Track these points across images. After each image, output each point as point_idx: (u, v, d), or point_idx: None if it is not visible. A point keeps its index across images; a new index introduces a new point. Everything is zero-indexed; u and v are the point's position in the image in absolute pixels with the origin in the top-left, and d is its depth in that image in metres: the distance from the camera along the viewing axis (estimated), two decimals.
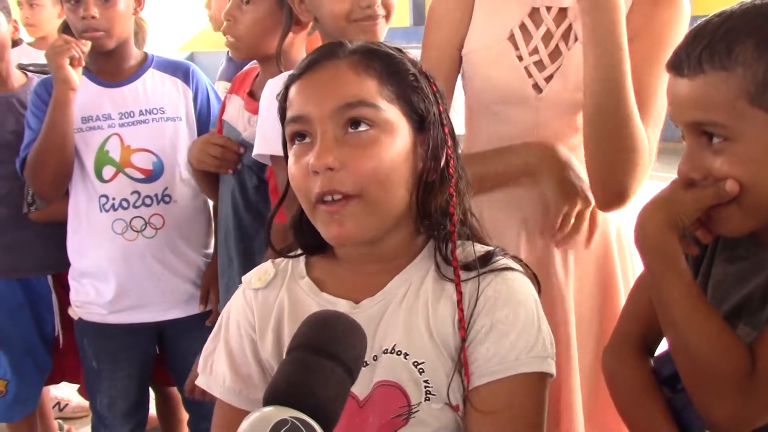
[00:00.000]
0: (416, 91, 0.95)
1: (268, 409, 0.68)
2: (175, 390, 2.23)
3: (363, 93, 0.92)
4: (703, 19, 0.91)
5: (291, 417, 0.66)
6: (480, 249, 0.97)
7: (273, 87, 1.49)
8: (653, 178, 1.23)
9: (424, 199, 0.95)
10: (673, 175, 1.14)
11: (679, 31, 1.27)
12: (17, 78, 2.13)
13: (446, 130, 0.97)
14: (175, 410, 2.31)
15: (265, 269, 1.04)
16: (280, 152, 1.01)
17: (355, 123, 0.91)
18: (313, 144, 0.92)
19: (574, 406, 1.35)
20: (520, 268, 0.97)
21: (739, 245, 1.00)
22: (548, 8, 1.33)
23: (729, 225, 0.94)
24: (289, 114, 0.95)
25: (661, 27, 1.27)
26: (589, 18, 1.16)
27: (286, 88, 0.98)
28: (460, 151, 1.01)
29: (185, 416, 2.20)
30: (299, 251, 1.05)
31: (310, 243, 1.01)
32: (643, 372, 1.07)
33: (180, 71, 2.00)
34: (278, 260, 1.05)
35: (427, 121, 0.95)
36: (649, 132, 1.24)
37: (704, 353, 0.92)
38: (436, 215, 0.95)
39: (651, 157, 1.25)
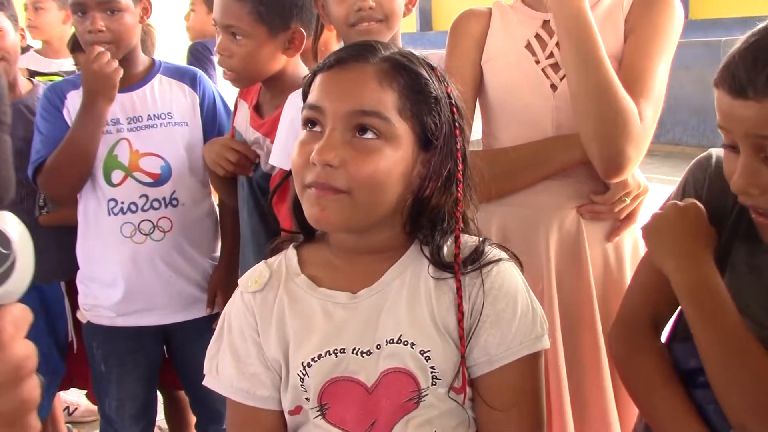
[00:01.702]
0: (432, 114, 0.98)
1: None
2: (182, 393, 2.24)
3: (380, 105, 0.95)
4: (749, 39, 0.93)
5: None
6: (471, 242, 1.02)
7: (291, 101, 1.54)
8: (663, 182, 1.24)
9: (416, 210, 0.99)
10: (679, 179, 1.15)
11: (672, 27, 1.39)
12: (24, 84, 2.15)
13: (459, 155, 1.00)
14: (183, 413, 2.32)
15: (260, 271, 1.07)
16: (288, 167, 1.03)
17: (364, 129, 0.94)
18: (321, 135, 0.95)
19: (563, 391, 1.40)
20: (507, 256, 1.02)
21: (761, 240, 1.01)
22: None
23: None
24: (308, 100, 0.99)
25: (655, 23, 1.38)
26: (557, 7, 1.33)
27: (313, 74, 1.01)
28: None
29: (193, 419, 2.21)
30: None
31: (307, 222, 1.03)
32: (662, 361, 1.07)
33: (187, 77, 2.01)
34: (271, 260, 1.08)
35: (433, 145, 0.98)
36: (645, 108, 1.34)
37: (755, 392, 0.92)
38: (427, 223, 1.00)
39: (646, 129, 1.34)
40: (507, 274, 1.00)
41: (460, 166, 1.00)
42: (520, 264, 1.04)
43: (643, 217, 1.44)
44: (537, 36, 1.46)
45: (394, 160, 0.95)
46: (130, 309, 1.95)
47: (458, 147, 1.00)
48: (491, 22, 1.51)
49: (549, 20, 1.45)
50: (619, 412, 1.42)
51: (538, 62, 1.44)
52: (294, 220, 1.07)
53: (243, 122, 1.76)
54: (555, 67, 1.43)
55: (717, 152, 1.09)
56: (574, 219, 1.42)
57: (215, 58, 1.82)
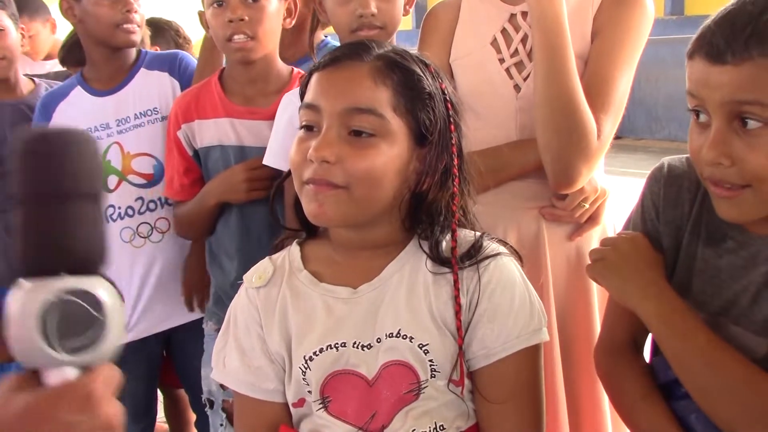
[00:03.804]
0: (426, 110, 1.00)
1: (26, 289, 0.58)
2: (182, 392, 2.25)
3: (374, 102, 0.97)
4: (725, 8, 0.90)
5: (58, 294, 0.57)
6: (470, 236, 1.03)
7: (287, 101, 1.56)
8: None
9: (414, 205, 1.01)
10: None
11: (641, 31, 1.37)
12: (25, 84, 2.14)
13: (454, 149, 1.02)
14: (183, 412, 2.34)
15: (264, 267, 1.09)
16: (284, 167, 1.06)
17: (359, 126, 0.96)
18: (317, 133, 0.97)
19: (558, 403, 1.40)
20: (506, 250, 1.04)
21: (725, 237, 1.00)
22: (524, 13, 1.43)
23: (738, 209, 0.93)
24: (305, 99, 1.01)
25: (624, 25, 1.36)
26: (536, 7, 1.30)
27: (310, 74, 1.03)
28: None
29: (193, 417, 2.22)
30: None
31: (308, 220, 1.05)
32: (642, 376, 1.08)
33: (166, 64, 1.94)
34: (275, 257, 1.11)
35: (428, 141, 1.00)
36: (605, 122, 1.33)
37: (742, 397, 0.92)
38: (425, 218, 1.01)
39: (602, 144, 1.34)
40: (505, 269, 1.01)
41: (456, 161, 1.02)
42: (519, 259, 1.06)
43: (608, 216, 1.47)
44: (503, 31, 1.45)
45: (390, 155, 0.97)
46: (134, 319, 1.94)
47: (453, 142, 1.02)
48: (460, 15, 1.49)
49: (516, 14, 1.45)
50: (614, 419, 1.43)
51: (502, 61, 1.44)
52: (296, 216, 1.09)
53: (228, 133, 1.68)
54: (519, 66, 1.43)
55: (668, 160, 1.09)
56: (534, 219, 1.43)
57: None
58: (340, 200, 0.96)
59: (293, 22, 1.71)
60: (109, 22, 1.82)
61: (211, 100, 1.70)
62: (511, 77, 1.43)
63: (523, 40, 1.43)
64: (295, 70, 1.74)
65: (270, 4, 1.62)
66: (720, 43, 0.88)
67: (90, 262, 0.61)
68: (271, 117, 1.64)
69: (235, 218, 1.70)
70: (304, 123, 1.00)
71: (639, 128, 9.59)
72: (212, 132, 1.70)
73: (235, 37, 1.59)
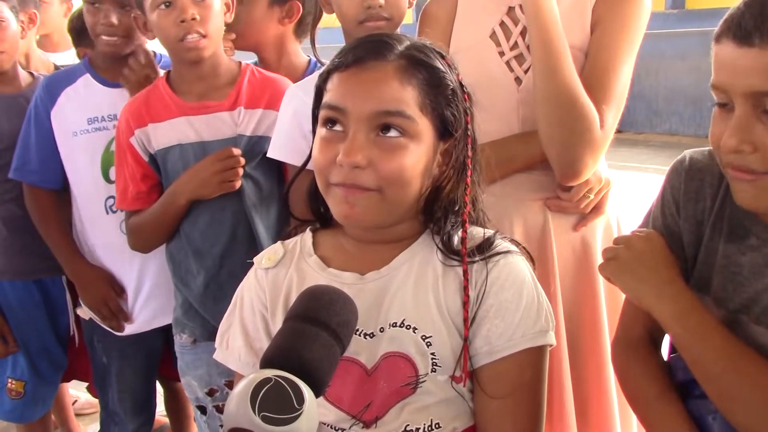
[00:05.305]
0: (450, 106, 1.00)
1: (258, 371, 0.75)
2: (182, 385, 2.25)
3: (402, 104, 0.96)
4: None
5: (274, 375, 0.73)
6: (482, 234, 1.03)
7: (291, 95, 1.56)
8: (658, 173, 1.24)
9: (433, 197, 1.01)
10: None
11: (639, 21, 1.38)
12: (24, 77, 2.13)
13: (469, 140, 1.02)
14: (182, 405, 2.34)
15: (274, 250, 1.10)
16: (290, 161, 1.03)
17: (387, 128, 0.96)
18: (343, 135, 0.96)
19: (565, 395, 1.40)
20: (518, 249, 1.03)
21: (748, 233, 0.99)
22: (522, 6, 1.41)
23: (756, 193, 0.92)
24: (327, 99, 0.99)
25: (622, 17, 1.37)
26: (531, 4, 1.32)
27: (329, 72, 1.01)
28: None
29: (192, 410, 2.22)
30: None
31: (323, 212, 1.06)
32: (658, 374, 1.07)
33: None
34: (288, 241, 1.11)
35: (453, 137, 1.00)
36: (607, 113, 1.34)
37: (761, 401, 0.91)
38: (440, 211, 1.01)
39: (606, 134, 1.35)
40: (514, 267, 1.01)
41: (470, 153, 1.02)
42: (531, 260, 1.05)
43: (611, 206, 1.48)
44: (502, 24, 1.46)
45: (418, 154, 0.97)
46: (134, 312, 1.95)
47: (468, 133, 1.02)
48: (457, 9, 1.50)
49: (514, 7, 1.45)
50: (621, 412, 1.43)
51: (502, 54, 1.44)
52: (310, 207, 1.09)
53: (185, 131, 1.67)
54: (519, 58, 1.43)
55: (690, 153, 1.08)
56: (540, 210, 1.44)
57: None
58: (373, 202, 0.96)
59: (232, 16, 1.71)
60: (93, 31, 1.83)
61: (163, 102, 1.69)
62: (511, 70, 1.43)
63: (523, 33, 1.43)
64: (243, 62, 1.75)
65: (215, 1, 1.62)
66: (749, 24, 0.86)
67: (313, 377, 0.75)
68: (227, 108, 1.66)
69: (206, 215, 1.68)
70: (328, 119, 0.98)
71: (639, 122, 9.58)
72: (169, 133, 1.68)
73: (189, 37, 1.59)
